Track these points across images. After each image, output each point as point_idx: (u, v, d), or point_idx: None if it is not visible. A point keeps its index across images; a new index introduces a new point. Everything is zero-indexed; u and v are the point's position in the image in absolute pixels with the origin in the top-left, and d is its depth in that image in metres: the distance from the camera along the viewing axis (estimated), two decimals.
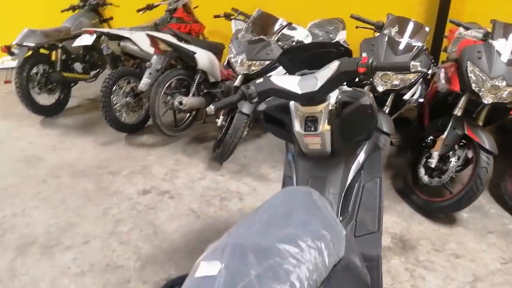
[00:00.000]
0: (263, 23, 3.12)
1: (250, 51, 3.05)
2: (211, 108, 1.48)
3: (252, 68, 3.08)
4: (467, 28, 2.56)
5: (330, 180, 1.58)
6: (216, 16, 4.21)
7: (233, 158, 3.43)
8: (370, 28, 2.85)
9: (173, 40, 3.40)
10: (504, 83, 2.35)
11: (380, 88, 2.56)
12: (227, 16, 4.12)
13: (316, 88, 1.41)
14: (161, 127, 3.55)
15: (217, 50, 3.82)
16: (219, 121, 3.37)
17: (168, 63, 3.47)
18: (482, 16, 3.63)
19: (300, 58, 1.80)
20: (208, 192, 3.02)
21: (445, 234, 2.51)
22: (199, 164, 3.45)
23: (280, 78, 1.49)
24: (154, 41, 3.35)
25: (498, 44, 2.40)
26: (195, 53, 3.47)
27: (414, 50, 2.61)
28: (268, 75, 1.54)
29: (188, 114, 3.88)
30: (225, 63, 3.55)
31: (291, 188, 1.15)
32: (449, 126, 2.58)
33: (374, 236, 1.63)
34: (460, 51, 2.60)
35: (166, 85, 3.45)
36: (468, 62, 2.44)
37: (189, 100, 3.51)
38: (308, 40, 3.54)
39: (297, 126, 1.50)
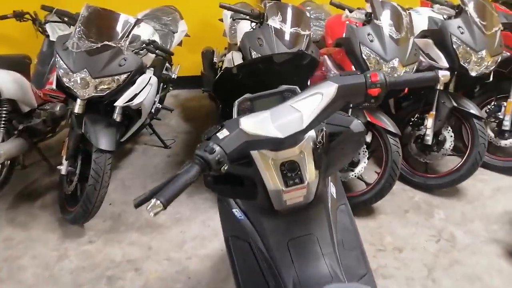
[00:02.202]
0: (100, 23, 2.23)
1: (94, 65, 2.14)
2: (158, 205, 0.78)
3: (102, 87, 2.19)
4: (351, 11, 2.37)
5: (318, 236, 1.15)
6: (2, 17, 2.93)
7: None
8: (246, 19, 2.36)
9: None
10: (396, 63, 2.28)
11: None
12: (19, 16, 2.91)
13: (304, 126, 0.95)
14: None
15: (23, 66, 2.67)
16: (63, 168, 2.36)
17: None
18: None
19: (238, 80, 1.29)
20: (83, 276, 2.09)
21: (375, 228, 2.38)
22: (47, 235, 2.38)
23: (252, 122, 0.94)
24: None
25: (383, 23, 2.30)
26: None
27: (304, 39, 2.27)
28: (234, 119, 0.95)
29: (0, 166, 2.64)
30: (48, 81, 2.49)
31: None
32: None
33: (367, 279, 1.32)
34: (345, 35, 2.42)
35: None
36: (362, 46, 2.27)
37: (5, 148, 2.35)
38: (156, 37, 2.82)
39: (272, 182, 1.03)
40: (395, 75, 2.29)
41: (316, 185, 1.08)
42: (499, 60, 2.51)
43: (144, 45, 2.41)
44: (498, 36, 2.50)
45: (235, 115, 1.30)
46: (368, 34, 2.29)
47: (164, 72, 3.10)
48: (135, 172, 2.96)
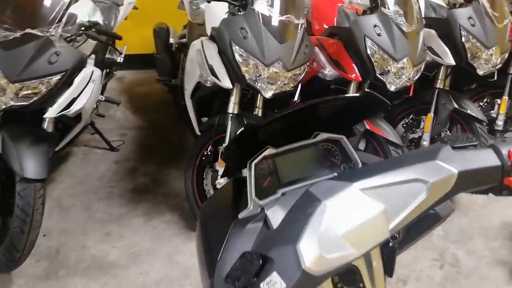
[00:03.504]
0: (20, 2, 1.57)
1: (13, 63, 1.50)
2: None
3: (26, 93, 1.57)
4: None
5: None
6: None
7: None
8: (228, 1, 1.79)
9: None
10: (406, 62, 1.90)
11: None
12: None
13: (389, 234, 0.59)
14: None
15: None
16: None
17: None
18: None
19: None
20: None
21: None
22: None
23: (316, 247, 0.55)
24: None
25: (393, 13, 1.87)
26: None
27: (299, 31, 1.78)
28: (284, 242, 0.53)
29: None
30: None
31: None
32: None
33: None
34: (337, 21, 1.98)
35: None
36: (367, 40, 1.84)
37: None
38: (97, 15, 2.16)
39: None
40: (403, 77, 1.92)
41: None
42: (506, 57, 2.23)
43: (83, 29, 1.78)
44: (509, 30, 2.19)
45: (251, 182, 0.83)
46: (375, 26, 1.86)
47: (107, 56, 2.47)
48: (74, 186, 2.35)
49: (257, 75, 1.72)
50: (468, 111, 2.26)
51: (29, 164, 1.64)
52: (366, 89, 0.66)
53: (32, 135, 1.72)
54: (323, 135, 0.87)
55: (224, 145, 1.87)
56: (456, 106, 2.25)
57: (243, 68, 1.72)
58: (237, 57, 1.71)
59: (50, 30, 1.56)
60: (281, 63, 1.73)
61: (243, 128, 0.78)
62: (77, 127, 2.08)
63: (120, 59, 2.57)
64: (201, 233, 0.89)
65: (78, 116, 1.99)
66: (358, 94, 0.78)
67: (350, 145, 0.88)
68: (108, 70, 2.63)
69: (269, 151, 0.84)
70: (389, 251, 0.74)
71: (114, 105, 2.92)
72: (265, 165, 0.86)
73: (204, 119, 2.24)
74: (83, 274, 1.86)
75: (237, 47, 1.69)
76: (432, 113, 2.27)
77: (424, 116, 2.31)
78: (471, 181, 0.63)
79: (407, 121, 2.39)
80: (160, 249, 2.01)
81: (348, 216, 0.59)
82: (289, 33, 1.76)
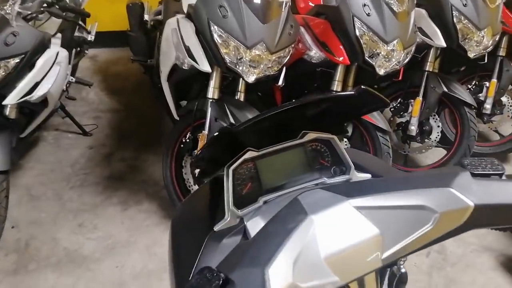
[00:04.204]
0: None
1: None
2: None
3: None
4: None
5: None
6: None
7: None
8: None
9: None
10: (396, 44, 1.80)
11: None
12: None
13: (381, 264, 0.51)
14: None
15: None
16: None
17: None
18: None
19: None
20: None
21: None
22: None
23: (285, 272, 0.46)
24: None
25: None
26: None
27: (283, 9, 1.65)
28: (246, 271, 0.44)
29: None
30: None
31: None
32: None
33: None
34: (335, 3, 1.84)
35: None
36: (356, 21, 1.72)
37: None
38: None
39: None
40: (393, 60, 1.82)
41: None
42: (497, 39, 2.15)
43: (44, 6, 1.61)
44: (501, 11, 2.10)
45: (229, 190, 0.73)
46: (364, 5, 1.74)
47: (76, 34, 2.29)
48: (44, 173, 2.21)
49: (238, 58, 1.60)
50: (458, 95, 2.19)
51: None
52: (362, 86, 0.58)
53: None
54: (312, 135, 0.77)
55: (204, 132, 1.76)
56: (445, 89, 2.18)
57: (223, 50, 1.59)
58: (216, 38, 1.58)
59: (5, 7, 1.40)
60: (264, 45, 1.61)
61: (217, 133, 0.68)
62: (45, 112, 1.93)
63: (91, 38, 2.40)
64: (172, 246, 0.79)
65: (44, 100, 1.85)
66: (353, 92, 0.68)
67: (341, 146, 0.78)
68: (78, 49, 2.46)
69: (249, 153, 0.74)
70: (387, 277, 0.67)
71: (86, 86, 2.76)
72: (245, 169, 0.76)
73: (184, 102, 2.12)
74: (55, 268, 1.76)
75: (215, 27, 1.56)
76: (421, 97, 2.20)
77: (412, 100, 2.23)
78: (488, 218, 0.54)
79: (394, 105, 2.31)
80: (138, 240, 1.91)
81: (335, 236, 0.51)
82: (273, 11, 1.62)
